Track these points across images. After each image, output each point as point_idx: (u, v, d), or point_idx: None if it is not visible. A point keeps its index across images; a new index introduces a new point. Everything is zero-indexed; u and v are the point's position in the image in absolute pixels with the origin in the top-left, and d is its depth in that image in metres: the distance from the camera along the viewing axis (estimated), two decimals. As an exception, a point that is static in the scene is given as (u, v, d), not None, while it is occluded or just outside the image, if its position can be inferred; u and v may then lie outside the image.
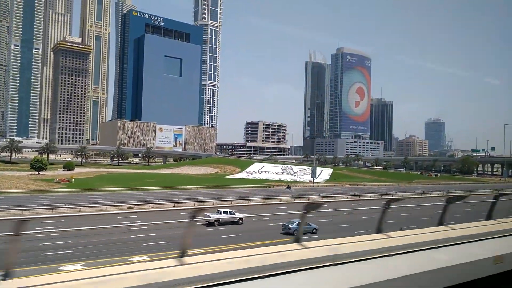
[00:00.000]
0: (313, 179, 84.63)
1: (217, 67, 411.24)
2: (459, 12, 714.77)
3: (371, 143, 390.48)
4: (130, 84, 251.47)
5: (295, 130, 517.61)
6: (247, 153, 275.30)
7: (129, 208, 39.69)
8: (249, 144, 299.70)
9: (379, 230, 5.18)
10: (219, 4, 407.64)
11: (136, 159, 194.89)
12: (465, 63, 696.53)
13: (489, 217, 7.12)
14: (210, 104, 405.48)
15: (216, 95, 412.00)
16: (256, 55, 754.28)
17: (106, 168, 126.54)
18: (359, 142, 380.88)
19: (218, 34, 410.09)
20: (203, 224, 33.35)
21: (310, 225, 31.98)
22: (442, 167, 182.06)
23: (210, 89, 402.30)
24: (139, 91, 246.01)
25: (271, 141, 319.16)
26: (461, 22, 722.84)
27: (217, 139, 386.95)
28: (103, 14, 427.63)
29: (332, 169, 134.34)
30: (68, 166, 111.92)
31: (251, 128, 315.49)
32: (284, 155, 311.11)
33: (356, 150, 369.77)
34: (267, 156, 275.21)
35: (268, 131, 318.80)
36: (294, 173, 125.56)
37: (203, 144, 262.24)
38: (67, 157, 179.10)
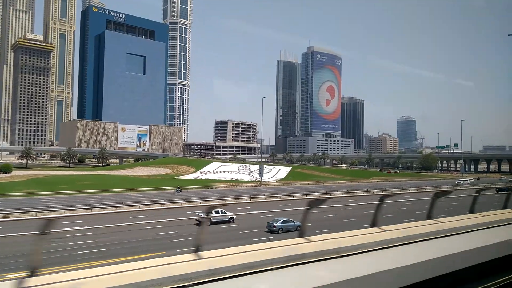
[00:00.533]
0: (260, 178, 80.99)
1: (187, 66, 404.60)
2: (433, 15, 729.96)
3: (342, 141, 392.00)
4: (90, 82, 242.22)
5: (268, 129, 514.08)
6: (215, 153, 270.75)
7: (4, 217, 34.78)
8: (218, 143, 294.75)
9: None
10: (189, 2, 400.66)
11: (94, 160, 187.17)
12: (438, 65, 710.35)
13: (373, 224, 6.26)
14: (181, 103, 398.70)
15: (187, 94, 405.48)
16: (230, 54, 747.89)
17: (51, 171, 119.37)
18: (330, 141, 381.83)
19: (188, 33, 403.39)
20: (195, 224, 31.68)
21: (294, 222, 30.59)
22: (408, 164, 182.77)
23: (181, 88, 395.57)
24: (100, 90, 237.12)
25: (241, 140, 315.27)
26: (435, 24, 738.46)
27: (189, 139, 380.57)
28: (68, 11, 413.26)
29: (290, 168, 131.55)
30: (4, 168, 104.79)
31: (221, 127, 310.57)
32: (254, 154, 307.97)
33: (327, 148, 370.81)
34: (235, 156, 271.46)
35: (238, 130, 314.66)
36: (251, 172, 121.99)
37: (169, 144, 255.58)
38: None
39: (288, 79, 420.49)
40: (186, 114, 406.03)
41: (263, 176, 79.28)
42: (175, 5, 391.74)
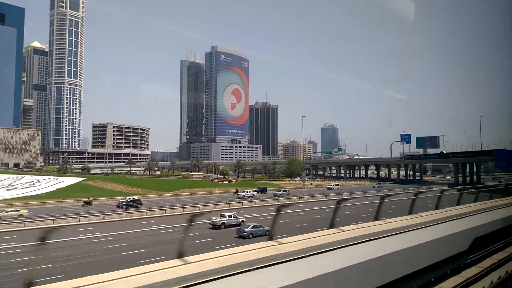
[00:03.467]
0: None
1: (78, 63, 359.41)
2: (361, 25, 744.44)
3: (249, 147, 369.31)
4: None
5: (174, 134, 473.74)
6: (87, 161, 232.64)
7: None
8: (91, 150, 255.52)
9: None
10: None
11: None
12: (367, 75, 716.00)
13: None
14: (70, 106, 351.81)
15: (78, 95, 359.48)
16: (133, 52, 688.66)
17: None
18: (236, 147, 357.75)
19: (79, 26, 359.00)
20: (209, 228, 35.10)
21: (263, 227, 31.75)
22: (271, 171, 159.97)
23: (70, 88, 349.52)
24: None
25: (125, 147, 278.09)
26: (359, 35, 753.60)
27: (82, 145, 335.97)
28: None
29: (83, 179, 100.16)
30: None
31: (99, 132, 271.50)
32: (146, 161, 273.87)
33: (232, 154, 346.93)
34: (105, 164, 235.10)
35: (121, 135, 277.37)
36: (10, 185, 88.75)
37: (21, 151, 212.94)
38: None
39: (194, 81, 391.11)
40: (76, 117, 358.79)
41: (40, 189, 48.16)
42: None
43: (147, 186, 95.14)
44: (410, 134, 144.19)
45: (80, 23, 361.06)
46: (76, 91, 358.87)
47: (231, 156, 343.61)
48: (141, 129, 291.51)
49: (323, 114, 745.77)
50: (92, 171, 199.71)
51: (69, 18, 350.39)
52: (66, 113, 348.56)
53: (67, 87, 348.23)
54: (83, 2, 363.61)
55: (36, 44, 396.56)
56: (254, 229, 31.76)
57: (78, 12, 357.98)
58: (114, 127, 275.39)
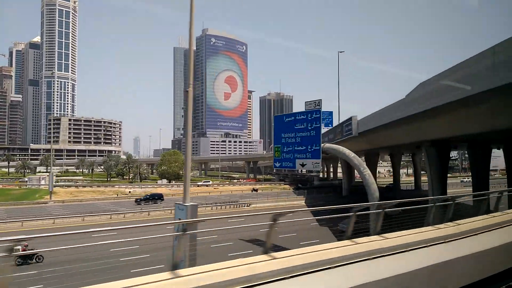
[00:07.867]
0: None
1: (70, 56, 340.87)
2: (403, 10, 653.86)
3: (246, 142, 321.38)
4: None
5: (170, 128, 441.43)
6: (31, 159, 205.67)
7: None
8: (34, 146, 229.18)
9: None
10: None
11: None
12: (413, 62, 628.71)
13: None
14: (61, 100, 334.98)
15: (70, 89, 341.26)
16: (128, 43, 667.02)
17: None
18: (230, 142, 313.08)
19: (70, 17, 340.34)
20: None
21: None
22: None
23: (61, 82, 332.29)
24: None
25: (86, 142, 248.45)
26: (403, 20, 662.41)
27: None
28: None
29: None
30: None
31: (54, 126, 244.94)
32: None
33: (225, 151, 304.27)
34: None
35: (79, 129, 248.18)
36: None
37: None
38: None
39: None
40: (68, 113, 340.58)
41: None
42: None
43: None
44: (332, 112, 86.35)
45: (71, 13, 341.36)
46: (68, 85, 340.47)
47: (224, 152, 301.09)
48: (106, 123, 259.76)
49: (362, 105, 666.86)
50: None
51: (58, 8, 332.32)
52: (57, 108, 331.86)
53: (58, 81, 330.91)
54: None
55: (36, 39, 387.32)
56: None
57: (69, 1, 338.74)
58: (70, 120, 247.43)
